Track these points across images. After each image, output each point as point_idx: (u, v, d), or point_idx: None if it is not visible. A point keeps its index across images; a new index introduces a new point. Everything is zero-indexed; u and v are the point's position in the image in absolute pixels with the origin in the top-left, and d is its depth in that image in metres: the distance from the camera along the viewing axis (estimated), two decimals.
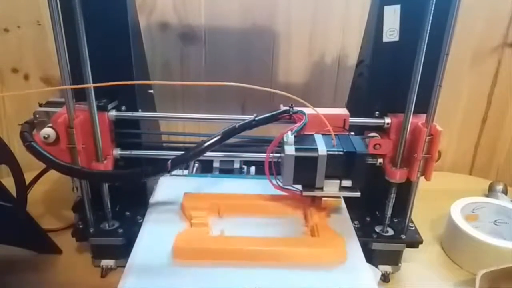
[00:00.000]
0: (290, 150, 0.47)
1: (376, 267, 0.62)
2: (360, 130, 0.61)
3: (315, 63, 0.87)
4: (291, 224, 0.53)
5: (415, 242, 0.62)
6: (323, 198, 0.52)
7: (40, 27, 0.82)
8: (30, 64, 0.85)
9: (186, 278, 0.45)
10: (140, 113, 0.60)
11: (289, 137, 0.48)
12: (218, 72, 0.87)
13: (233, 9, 0.82)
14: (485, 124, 0.95)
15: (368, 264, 0.49)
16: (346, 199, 0.60)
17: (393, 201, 0.60)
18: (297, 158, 0.47)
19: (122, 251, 0.58)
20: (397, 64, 0.55)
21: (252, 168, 0.71)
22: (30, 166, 0.62)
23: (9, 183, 0.62)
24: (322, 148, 0.48)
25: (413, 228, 0.63)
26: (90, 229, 0.60)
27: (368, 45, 0.60)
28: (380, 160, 0.59)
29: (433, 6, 0.48)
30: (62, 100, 0.53)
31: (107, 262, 0.61)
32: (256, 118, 0.50)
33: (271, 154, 0.50)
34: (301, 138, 0.50)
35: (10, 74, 0.85)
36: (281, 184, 0.51)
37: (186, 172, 0.64)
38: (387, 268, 0.63)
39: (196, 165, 0.76)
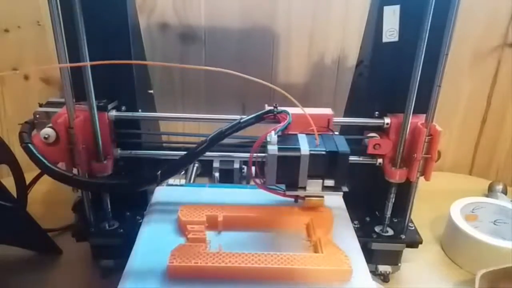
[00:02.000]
0: (273, 149, 0.47)
1: (376, 267, 0.63)
2: (360, 130, 0.61)
3: (315, 63, 0.87)
4: (293, 239, 0.51)
5: (415, 242, 0.62)
6: (306, 198, 0.52)
7: (40, 27, 0.82)
8: (30, 64, 0.85)
9: None
10: (140, 113, 0.60)
11: (273, 137, 0.48)
12: (217, 72, 0.87)
13: (233, 9, 0.82)
14: (485, 124, 0.95)
15: (374, 282, 0.48)
16: (346, 199, 0.60)
17: (393, 201, 0.60)
18: (279, 158, 0.47)
19: (122, 251, 0.58)
20: (397, 64, 0.55)
21: (253, 168, 0.71)
22: (30, 166, 0.62)
23: (9, 183, 0.62)
24: (304, 147, 0.48)
25: (413, 228, 0.63)
26: (90, 229, 0.60)
27: (368, 45, 0.60)
28: (380, 160, 0.59)
29: (433, 6, 0.48)
30: (62, 100, 0.53)
31: (107, 262, 0.61)
32: (242, 120, 0.50)
33: (255, 154, 0.50)
34: (285, 138, 0.50)
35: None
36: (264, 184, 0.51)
37: (183, 181, 0.63)
38: (387, 268, 0.63)
39: (196, 165, 0.76)
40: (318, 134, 0.50)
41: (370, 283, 0.46)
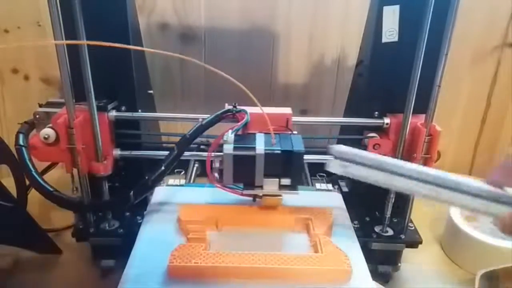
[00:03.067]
0: (228, 149, 0.48)
1: (376, 267, 0.62)
2: (360, 130, 0.61)
3: (315, 63, 0.87)
4: (293, 238, 0.51)
5: (414, 242, 0.62)
6: (264, 197, 0.52)
7: (40, 28, 0.82)
8: (30, 64, 0.85)
9: None
10: (140, 113, 0.60)
11: (229, 136, 0.49)
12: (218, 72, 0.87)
13: (233, 10, 0.82)
14: (485, 124, 0.95)
15: (374, 282, 0.48)
16: (346, 199, 0.60)
17: (393, 201, 0.60)
18: (235, 157, 0.48)
19: (122, 251, 0.58)
20: (397, 65, 0.55)
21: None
22: None
23: (9, 183, 0.62)
24: (260, 147, 0.48)
25: (413, 228, 0.63)
26: (90, 229, 0.60)
27: (368, 45, 0.60)
28: None
29: (432, 6, 0.48)
30: (62, 100, 0.53)
31: (107, 262, 0.61)
32: (204, 122, 0.51)
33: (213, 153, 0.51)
34: (243, 137, 0.50)
35: (10, 74, 0.86)
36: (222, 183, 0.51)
37: (183, 181, 0.63)
38: (387, 268, 0.63)
39: (196, 165, 0.76)
40: (277, 134, 0.50)
41: (370, 283, 0.46)
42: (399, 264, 0.64)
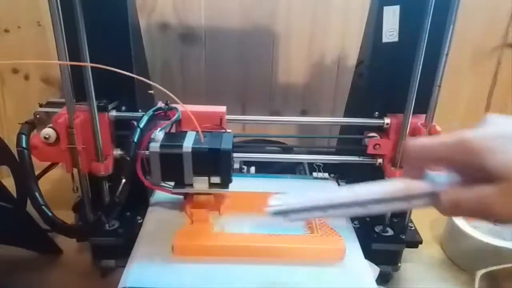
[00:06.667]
0: (154, 147, 0.47)
1: None
2: (360, 130, 0.61)
3: (315, 63, 0.87)
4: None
5: (414, 242, 0.62)
6: (195, 195, 0.52)
7: (40, 28, 0.82)
8: (30, 64, 0.85)
9: (187, 275, 0.45)
10: (140, 113, 0.60)
11: (157, 134, 0.49)
12: (218, 72, 0.87)
13: (233, 9, 0.82)
14: None
15: (366, 261, 0.50)
16: None
17: None
18: (162, 155, 0.47)
19: (122, 251, 0.58)
20: (397, 65, 0.55)
21: (252, 168, 0.71)
22: None
23: (10, 184, 0.62)
24: (187, 144, 0.48)
25: (413, 228, 0.63)
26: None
27: (368, 45, 0.60)
28: (380, 160, 0.59)
29: (433, 7, 0.48)
30: (63, 100, 0.53)
31: (107, 262, 0.61)
32: (140, 125, 0.50)
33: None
34: (173, 135, 0.50)
35: (11, 74, 0.86)
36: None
37: None
38: (387, 268, 0.63)
39: None
40: (208, 132, 0.50)
41: (363, 262, 0.49)
42: (399, 264, 0.64)
